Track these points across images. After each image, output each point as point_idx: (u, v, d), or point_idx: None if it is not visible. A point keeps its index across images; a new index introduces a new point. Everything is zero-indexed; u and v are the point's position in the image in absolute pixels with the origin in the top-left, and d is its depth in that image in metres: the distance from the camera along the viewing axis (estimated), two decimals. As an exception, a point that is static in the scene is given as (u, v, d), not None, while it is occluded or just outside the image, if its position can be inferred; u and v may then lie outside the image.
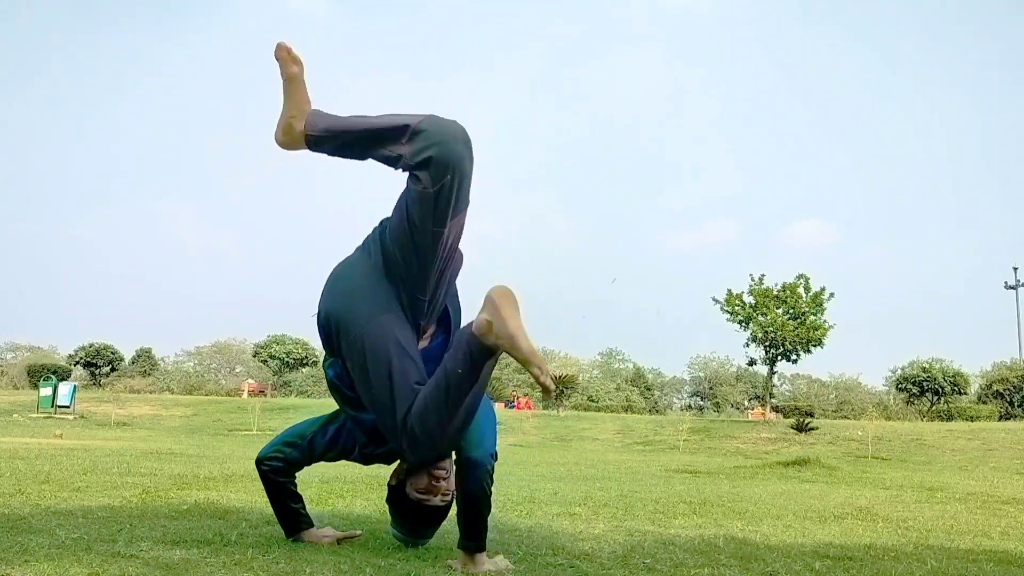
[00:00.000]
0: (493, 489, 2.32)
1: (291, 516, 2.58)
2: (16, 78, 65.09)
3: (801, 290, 24.39)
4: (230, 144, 72.03)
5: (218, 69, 72.26)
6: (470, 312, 2.35)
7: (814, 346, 23.89)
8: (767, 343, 24.26)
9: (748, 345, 24.81)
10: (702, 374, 55.43)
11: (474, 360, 2.15)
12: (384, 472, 2.61)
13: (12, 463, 5.29)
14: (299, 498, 2.61)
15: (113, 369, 41.71)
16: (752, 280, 24.99)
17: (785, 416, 27.30)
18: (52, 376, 25.91)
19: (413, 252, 2.26)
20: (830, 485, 6.93)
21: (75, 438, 12.09)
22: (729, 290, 24.90)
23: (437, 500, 2.42)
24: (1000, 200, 65.60)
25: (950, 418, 28.42)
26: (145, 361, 46.69)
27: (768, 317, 24.03)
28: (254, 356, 41.70)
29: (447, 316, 2.47)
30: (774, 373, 26.40)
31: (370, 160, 2.35)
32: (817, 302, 24.11)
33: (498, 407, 22.23)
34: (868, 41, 67.88)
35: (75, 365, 40.55)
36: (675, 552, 2.63)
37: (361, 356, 2.25)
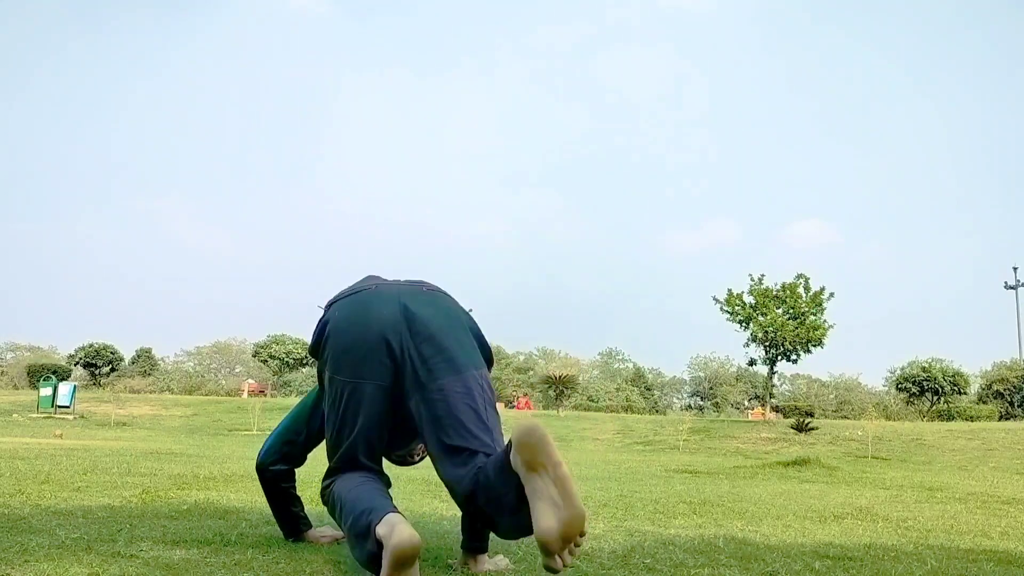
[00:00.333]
0: None
1: (292, 520, 2.58)
2: (16, 78, 65.14)
3: (801, 290, 24.39)
4: (230, 144, 72.10)
5: (218, 69, 72.41)
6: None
7: (814, 346, 23.88)
8: (767, 343, 24.26)
9: (748, 345, 24.83)
10: (702, 374, 55.49)
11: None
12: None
13: (12, 463, 5.29)
14: (299, 502, 2.61)
15: (113, 369, 41.72)
16: (752, 280, 25.01)
17: (785, 416, 27.35)
18: (52, 376, 25.92)
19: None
20: (830, 485, 6.92)
21: (75, 438, 12.10)
22: (729, 290, 24.93)
23: (413, 463, 2.63)
24: (1000, 200, 65.76)
25: (950, 418, 28.45)
26: (145, 361, 46.76)
27: (768, 317, 24.02)
28: (254, 356, 41.70)
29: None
30: (774, 373, 26.37)
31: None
32: (817, 302, 24.11)
33: (498, 407, 22.03)
34: (868, 41, 68.01)
35: (75, 365, 40.57)
36: (675, 552, 2.63)
37: (334, 395, 2.24)
